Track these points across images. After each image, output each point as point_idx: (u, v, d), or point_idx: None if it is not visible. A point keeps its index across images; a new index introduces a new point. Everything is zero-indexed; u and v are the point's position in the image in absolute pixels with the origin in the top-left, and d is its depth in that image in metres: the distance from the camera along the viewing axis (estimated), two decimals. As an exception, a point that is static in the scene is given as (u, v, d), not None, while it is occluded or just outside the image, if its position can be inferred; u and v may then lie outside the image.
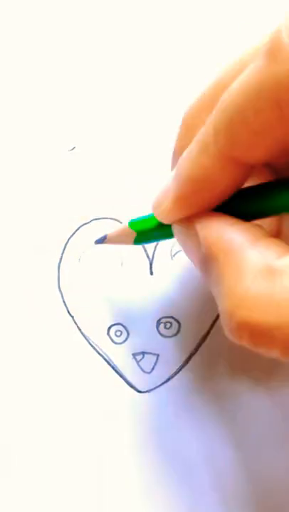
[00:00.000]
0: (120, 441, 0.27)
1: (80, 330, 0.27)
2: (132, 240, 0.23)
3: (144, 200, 0.28)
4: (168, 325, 0.27)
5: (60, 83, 0.28)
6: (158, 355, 0.27)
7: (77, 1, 0.28)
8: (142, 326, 0.27)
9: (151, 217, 0.23)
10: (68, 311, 0.27)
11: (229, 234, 0.19)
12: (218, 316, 0.27)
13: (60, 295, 0.27)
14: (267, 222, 0.22)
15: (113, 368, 0.27)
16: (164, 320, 0.27)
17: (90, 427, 0.27)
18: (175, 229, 0.21)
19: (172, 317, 0.27)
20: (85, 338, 0.27)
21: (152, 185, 0.28)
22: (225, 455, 0.27)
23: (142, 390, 0.27)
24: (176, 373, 0.27)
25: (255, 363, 0.27)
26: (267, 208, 0.20)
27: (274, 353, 0.18)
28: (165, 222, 0.21)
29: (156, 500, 0.27)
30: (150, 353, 0.27)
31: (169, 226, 0.22)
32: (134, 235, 0.23)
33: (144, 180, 0.28)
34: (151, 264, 0.28)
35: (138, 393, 0.27)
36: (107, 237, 0.25)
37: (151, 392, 0.27)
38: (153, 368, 0.27)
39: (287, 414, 0.27)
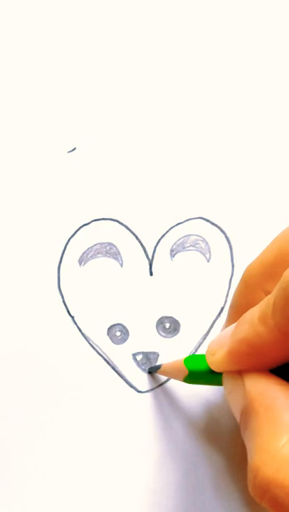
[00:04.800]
0: (120, 441, 0.27)
1: (80, 330, 0.27)
2: (183, 377, 0.24)
3: (144, 200, 0.28)
4: (168, 325, 0.27)
5: (60, 84, 0.28)
6: (158, 355, 0.27)
7: (78, 2, 0.29)
8: (142, 326, 0.27)
9: (206, 366, 0.23)
10: (68, 312, 0.27)
11: (273, 392, 0.19)
12: (218, 316, 0.27)
13: (60, 295, 0.27)
14: None
15: (113, 368, 0.27)
16: (164, 320, 0.27)
17: (90, 426, 0.27)
18: (225, 376, 0.22)
19: (172, 317, 0.27)
20: (85, 338, 0.27)
21: (152, 186, 0.28)
22: (225, 454, 0.27)
23: (142, 390, 0.27)
24: (176, 373, 0.27)
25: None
26: None
27: None
28: (215, 370, 0.22)
29: (156, 499, 0.27)
30: (150, 353, 0.27)
31: (220, 374, 0.22)
32: (187, 372, 0.23)
33: (144, 181, 0.28)
34: (151, 265, 0.28)
35: (138, 393, 0.27)
36: (161, 367, 0.26)
37: (151, 392, 0.27)
38: (153, 368, 0.27)
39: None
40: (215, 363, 0.22)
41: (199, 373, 0.23)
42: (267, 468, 0.17)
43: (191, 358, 0.23)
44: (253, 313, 0.20)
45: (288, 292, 0.18)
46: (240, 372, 0.21)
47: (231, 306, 0.24)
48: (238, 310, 0.22)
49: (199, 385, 0.24)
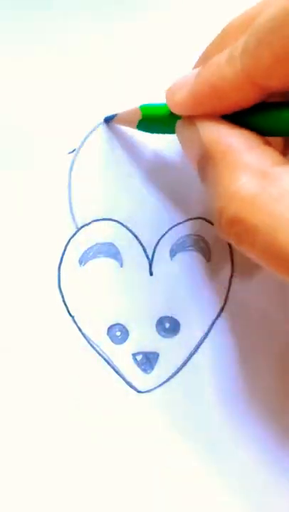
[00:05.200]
0: (120, 441, 0.27)
1: (80, 330, 0.27)
2: (136, 122, 0.24)
3: (144, 200, 0.28)
4: (168, 325, 0.27)
5: (60, 84, 0.28)
6: (158, 355, 0.27)
7: (78, 2, 0.29)
8: (142, 326, 0.27)
9: (162, 106, 0.23)
10: (68, 311, 0.27)
11: (229, 137, 0.20)
12: (218, 316, 0.27)
13: (60, 295, 0.27)
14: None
15: (113, 368, 0.27)
16: (164, 320, 0.27)
17: (90, 427, 0.27)
18: (179, 124, 0.22)
19: (172, 317, 0.27)
20: (85, 338, 0.27)
21: (152, 185, 0.28)
22: (225, 454, 0.27)
23: (142, 390, 0.27)
24: (176, 373, 0.27)
25: (255, 363, 0.27)
26: (274, 127, 0.21)
27: (253, 256, 0.19)
28: (173, 110, 0.22)
29: (156, 499, 0.27)
30: (150, 353, 0.27)
31: (173, 121, 0.22)
32: (140, 117, 0.24)
33: (145, 181, 0.28)
34: (151, 265, 0.28)
35: (138, 393, 0.27)
36: (117, 116, 0.26)
37: (151, 392, 0.27)
38: (153, 368, 0.27)
39: (287, 410, 0.27)
40: (174, 102, 0.22)
41: (153, 118, 0.24)
42: (230, 208, 0.19)
43: (147, 105, 0.24)
44: (221, 57, 0.20)
45: (258, 34, 0.19)
46: (194, 120, 0.21)
47: (202, 56, 0.24)
48: (207, 58, 0.22)
49: (149, 133, 0.25)
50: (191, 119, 0.22)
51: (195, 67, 0.24)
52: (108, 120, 0.27)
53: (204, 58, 0.24)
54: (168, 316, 0.27)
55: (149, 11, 0.28)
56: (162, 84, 0.28)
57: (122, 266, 0.28)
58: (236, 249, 0.20)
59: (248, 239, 0.19)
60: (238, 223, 0.19)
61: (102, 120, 0.28)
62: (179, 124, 0.23)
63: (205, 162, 0.20)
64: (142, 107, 0.24)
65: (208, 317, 0.27)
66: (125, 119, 0.26)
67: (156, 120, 0.24)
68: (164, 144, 0.28)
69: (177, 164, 0.28)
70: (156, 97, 0.27)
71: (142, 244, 0.28)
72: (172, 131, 0.23)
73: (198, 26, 0.28)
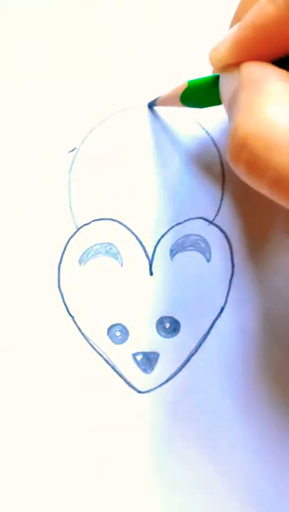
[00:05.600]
0: (120, 441, 0.27)
1: (80, 330, 0.27)
2: (180, 95, 0.23)
3: (144, 200, 0.28)
4: (168, 325, 0.27)
5: (60, 84, 0.28)
6: (158, 355, 0.27)
7: (77, 3, 0.28)
8: (142, 326, 0.27)
9: (208, 76, 0.22)
10: (68, 311, 0.27)
11: (266, 69, 0.19)
12: (218, 316, 0.27)
13: (60, 295, 0.27)
14: None
15: (113, 368, 0.27)
16: (164, 320, 0.27)
17: (90, 426, 0.27)
18: (223, 77, 0.21)
19: (172, 317, 0.27)
20: (85, 338, 0.27)
21: (153, 185, 0.28)
22: (225, 454, 0.27)
23: (142, 390, 0.27)
24: (176, 373, 0.27)
25: (255, 363, 0.27)
26: None
27: (263, 187, 0.17)
28: (218, 67, 0.21)
29: (156, 499, 0.27)
30: (150, 353, 0.27)
31: (217, 88, 0.21)
32: (185, 86, 0.22)
33: (145, 181, 0.28)
34: (151, 265, 0.28)
35: (138, 393, 0.27)
36: (161, 96, 0.24)
37: (151, 392, 0.27)
38: (153, 368, 0.27)
39: (287, 411, 0.27)
40: (218, 55, 0.20)
41: (198, 88, 0.22)
42: (247, 124, 0.17)
43: (193, 80, 0.22)
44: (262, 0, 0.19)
45: None
46: (237, 66, 0.20)
47: (235, 13, 0.22)
48: (242, 14, 0.20)
49: (194, 108, 0.23)
50: (235, 66, 0.20)
51: (230, 27, 0.22)
52: (152, 105, 0.25)
53: (236, 16, 0.22)
54: (168, 316, 0.27)
55: (149, 9, 0.28)
56: (163, 81, 0.28)
57: (122, 266, 0.28)
58: (245, 180, 0.18)
59: (260, 165, 0.17)
60: (251, 144, 0.17)
61: (102, 120, 0.28)
62: (222, 77, 0.21)
63: (236, 94, 0.19)
64: (189, 81, 0.23)
65: (208, 317, 0.27)
66: (171, 94, 0.24)
67: (201, 87, 0.22)
68: (165, 145, 0.28)
69: (178, 164, 0.28)
70: (158, 93, 0.27)
71: (142, 244, 0.28)
72: (217, 100, 0.22)
73: (197, 26, 0.28)
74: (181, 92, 0.23)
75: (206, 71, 0.23)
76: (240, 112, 0.18)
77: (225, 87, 0.21)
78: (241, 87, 0.19)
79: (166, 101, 0.25)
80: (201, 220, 0.28)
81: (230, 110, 0.19)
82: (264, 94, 0.17)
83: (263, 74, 0.18)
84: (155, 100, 0.26)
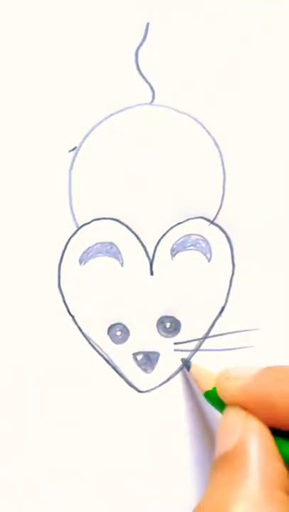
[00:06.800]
0: (120, 441, 0.27)
1: (80, 329, 0.27)
2: (204, 390, 0.25)
3: (144, 199, 0.28)
4: (168, 324, 0.27)
5: (61, 84, 0.28)
6: (158, 355, 0.27)
7: (77, 3, 0.28)
8: (142, 325, 0.27)
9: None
10: (68, 311, 0.27)
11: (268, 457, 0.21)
12: (218, 316, 0.27)
13: (60, 295, 0.27)
14: None
15: (113, 368, 0.27)
16: (164, 320, 0.27)
17: (90, 426, 0.27)
18: (228, 409, 0.23)
19: (172, 317, 0.27)
20: (85, 338, 0.27)
21: (153, 185, 0.28)
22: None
23: (142, 390, 0.27)
24: (176, 373, 0.27)
25: (255, 363, 0.27)
26: None
27: None
28: (222, 397, 0.23)
29: (155, 499, 0.27)
30: (150, 353, 0.27)
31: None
32: (211, 387, 0.24)
33: (145, 181, 0.28)
34: (151, 264, 0.28)
35: (138, 393, 0.27)
36: (192, 366, 0.26)
37: (151, 392, 0.27)
38: (153, 368, 0.27)
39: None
40: (227, 392, 0.23)
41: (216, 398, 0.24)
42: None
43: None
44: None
45: None
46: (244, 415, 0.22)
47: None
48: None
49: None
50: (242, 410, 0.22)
51: None
52: (185, 366, 0.27)
53: None
54: (169, 316, 0.27)
55: (149, 10, 0.28)
56: (163, 81, 0.28)
57: (122, 265, 0.28)
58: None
59: None
60: None
61: (102, 119, 0.28)
62: (228, 409, 0.23)
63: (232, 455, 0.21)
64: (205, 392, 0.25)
65: (208, 317, 0.27)
66: (198, 380, 0.26)
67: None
68: (165, 144, 0.28)
69: (178, 164, 0.28)
70: (158, 93, 0.27)
71: (142, 244, 0.28)
72: None
73: (198, 27, 0.28)
74: (204, 388, 0.25)
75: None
76: (214, 497, 0.20)
77: (225, 422, 0.22)
78: (233, 457, 0.21)
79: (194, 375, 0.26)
80: (202, 220, 0.28)
81: (220, 466, 0.21)
82: (241, 499, 0.19)
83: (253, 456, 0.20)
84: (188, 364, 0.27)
